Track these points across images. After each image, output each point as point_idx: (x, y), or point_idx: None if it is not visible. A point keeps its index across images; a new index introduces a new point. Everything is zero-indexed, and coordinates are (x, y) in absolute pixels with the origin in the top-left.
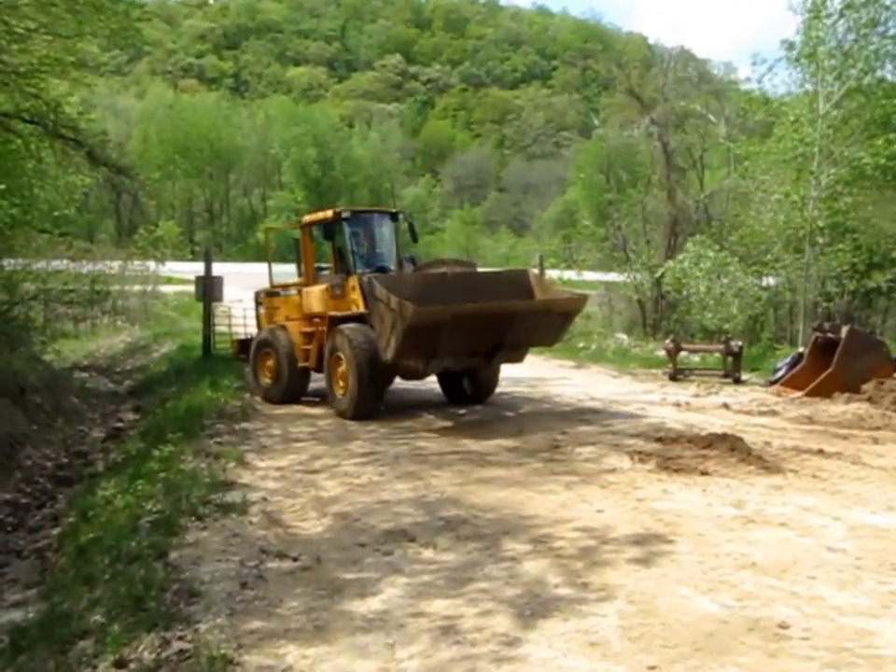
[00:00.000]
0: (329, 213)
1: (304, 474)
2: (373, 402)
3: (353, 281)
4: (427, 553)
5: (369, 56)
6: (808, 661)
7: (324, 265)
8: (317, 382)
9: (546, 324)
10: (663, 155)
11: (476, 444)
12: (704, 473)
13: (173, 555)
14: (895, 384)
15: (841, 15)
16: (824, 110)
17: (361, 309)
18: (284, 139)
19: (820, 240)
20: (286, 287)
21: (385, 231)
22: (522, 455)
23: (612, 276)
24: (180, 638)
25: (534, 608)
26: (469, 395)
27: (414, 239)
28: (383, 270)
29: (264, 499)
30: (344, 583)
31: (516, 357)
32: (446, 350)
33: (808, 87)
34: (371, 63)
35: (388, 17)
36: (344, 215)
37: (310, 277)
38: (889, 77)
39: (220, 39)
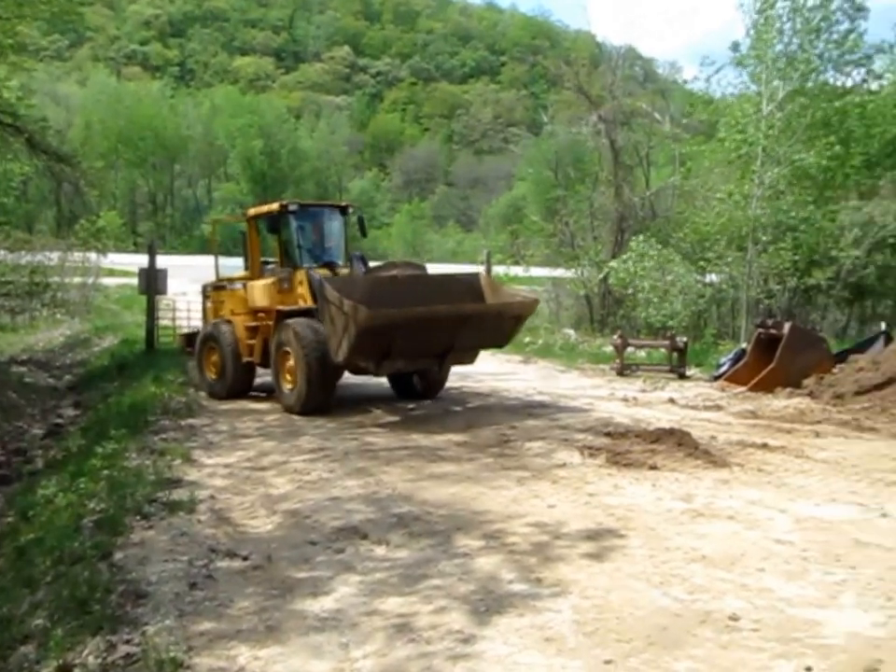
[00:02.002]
0: (276, 205)
1: (253, 471)
2: (323, 398)
3: (300, 275)
4: (380, 551)
5: (317, 47)
6: (759, 652)
7: (271, 259)
8: (263, 376)
9: (498, 327)
10: (610, 152)
11: (426, 439)
12: (653, 468)
13: (118, 556)
14: (835, 379)
15: (788, 19)
16: (768, 111)
17: (309, 304)
18: (230, 130)
19: (763, 238)
20: (231, 280)
21: (333, 225)
22: (472, 450)
23: (560, 272)
24: (127, 642)
25: (488, 604)
26: (419, 391)
27: (364, 234)
28: (331, 265)
29: (212, 497)
30: (296, 582)
31: (467, 358)
32: (398, 352)
33: (753, 88)
34: (320, 54)
35: (337, 8)
36: (291, 207)
37: (255, 271)
38: (830, 80)
39: (165, 27)
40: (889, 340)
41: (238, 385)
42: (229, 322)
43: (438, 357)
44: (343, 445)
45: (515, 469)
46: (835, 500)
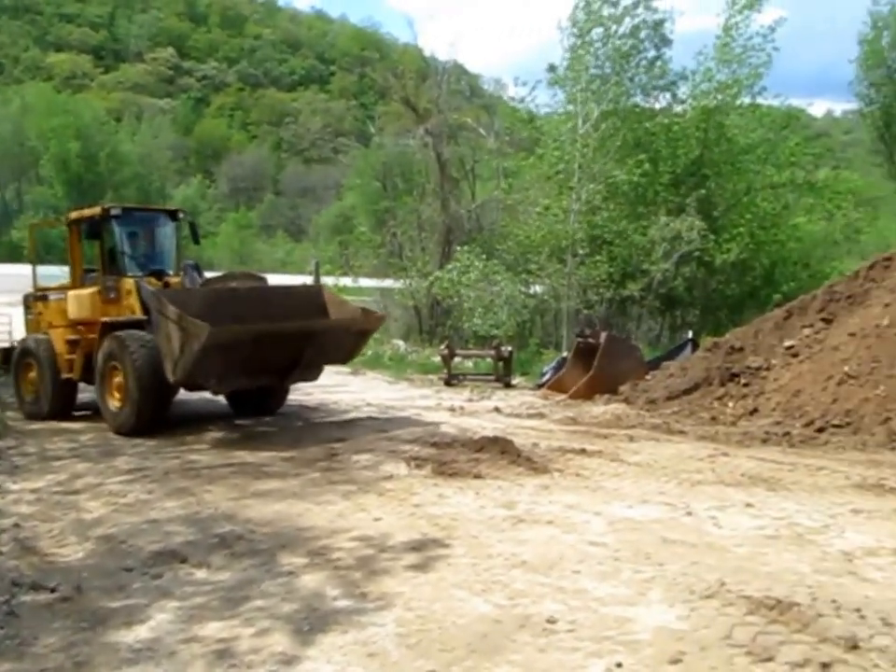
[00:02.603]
0: (98, 209)
1: (64, 495)
2: (158, 415)
3: (128, 284)
4: (200, 574)
5: (139, 47)
6: (574, 652)
7: (95, 267)
8: (87, 392)
9: (343, 343)
10: (437, 165)
11: (251, 456)
12: (477, 476)
13: None
14: (648, 385)
15: (601, 45)
16: (583, 130)
17: (138, 314)
18: (43, 130)
19: (581, 251)
20: (50, 290)
21: (162, 231)
22: (299, 465)
23: (388, 283)
24: None
25: (312, 622)
26: (258, 407)
27: (196, 241)
28: (159, 274)
29: (16, 526)
30: (109, 613)
31: (311, 375)
32: (240, 370)
33: (570, 108)
34: (142, 54)
35: (160, 8)
36: (114, 212)
37: (77, 279)
38: (640, 103)
39: None
40: (695, 347)
41: (58, 404)
42: (47, 335)
43: (281, 374)
44: (163, 464)
45: (342, 482)
46: (646, 501)
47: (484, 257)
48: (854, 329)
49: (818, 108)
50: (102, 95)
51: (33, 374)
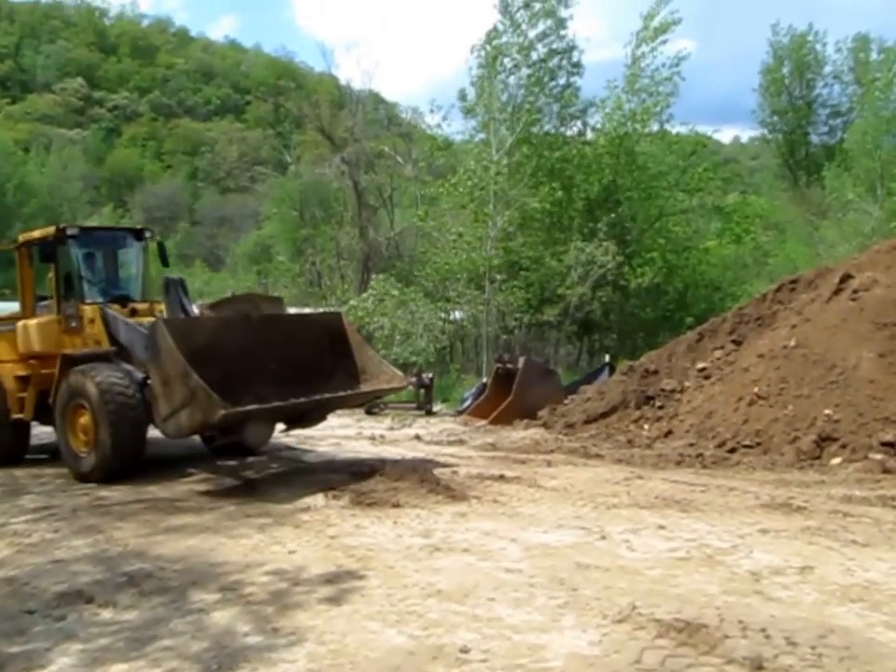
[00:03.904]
0: (52, 229)
1: None
2: (133, 457)
3: (91, 311)
4: (106, 614)
5: (47, 77)
6: None
7: (46, 294)
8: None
9: (360, 402)
10: (354, 193)
11: (164, 490)
12: (395, 505)
13: None
14: (566, 409)
15: (511, 73)
16: (497, 157)
17: (105, 346)
18: None
19: (498, 277)
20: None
21: (125, 252)
22: (214, 498)
23: (308, 311)
24: None
25: (221, 660)
26: (241, 447)
27: (164, 263)
28: (124, 300)
29: None
30: (8, 658)
31: (318, 422)
32: (248, 427)
33: (482, 136)
34: (50, 85)
35: (69, 38)
36: (70, 232)
37: (28, 308)
38: (552, 130)
39: None
40: (612, 370)
41: (7, 448)
42: None
43: (290, 425)
44: (71, 502)
45: (257, 515)
46: (562, 526)
47: (400, 285)
48: (763, 351)
49: (725, 135)
50: (9, 126)
51: None
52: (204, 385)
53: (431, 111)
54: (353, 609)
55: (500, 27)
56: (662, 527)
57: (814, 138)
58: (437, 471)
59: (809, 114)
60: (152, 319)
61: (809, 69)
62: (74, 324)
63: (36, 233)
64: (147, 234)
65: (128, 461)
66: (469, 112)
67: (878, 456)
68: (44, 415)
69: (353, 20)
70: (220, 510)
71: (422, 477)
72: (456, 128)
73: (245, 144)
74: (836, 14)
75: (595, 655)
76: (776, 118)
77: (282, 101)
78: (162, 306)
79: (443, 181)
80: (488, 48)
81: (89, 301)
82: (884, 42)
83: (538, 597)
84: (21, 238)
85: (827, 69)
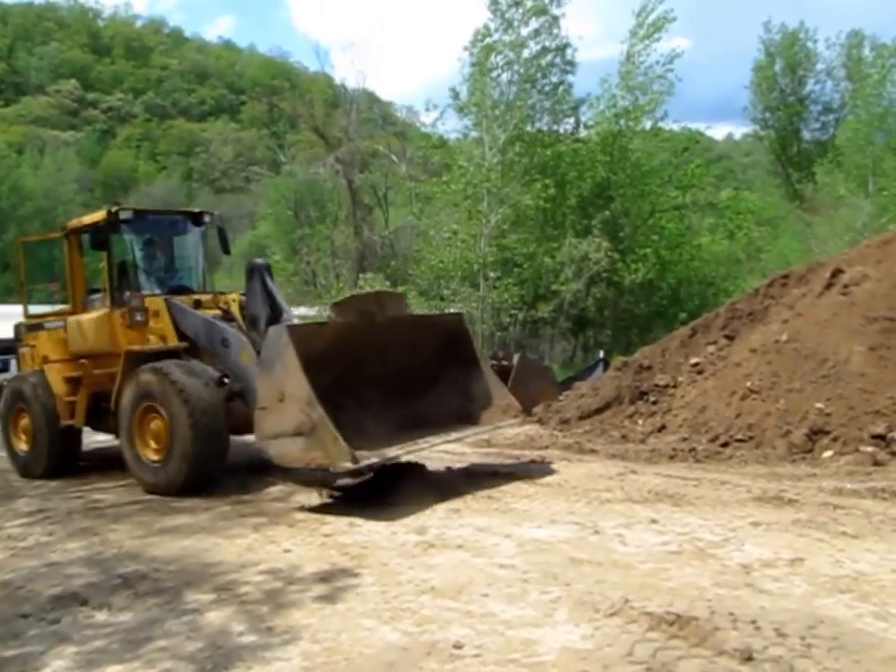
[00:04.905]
0: (103, 213)
1: None
2: (216, 467)
3: (157, 303)
4: (101, 616)
5: (41, 79)
6: None
7: (98, 287)
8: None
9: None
10: (348, 192)
11: None
12: (390, 503)
13: None
14: (561, 405)
15: (503, 70)
16: (490, 155)
17: (173, 342)
18: None
19: (492, 274)
20: (46, 317)
21: (184, 238)
22: (208, 499)
23: (303, 310)
24: None
25: (216, 660)
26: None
27: (226, 250)
28: (182, 290)
29: None
30: (2, 662)
31: None
32: None
33: (475, 134)
34: (44, 87)
35: (62, 40)
36: (123, 216)
37: (78, 302)
38: (545, 127)
39: None
40: (607, 366)
41: (57, 457)
42: (41, 373)
43: None
44: (65, 505)
45: (252, 515)
46: (555, 521)
47: (388, 283)
48: (755, 346)
49: (719, 132)
50: (2, 129)
51: (25, 421)
52: (332, 428)
53: (427, 110)
54: (347, 606)
55: (491, 25)
56: (654, 521)
57: (806, 134)
58: (431, 468)
59: (801, 110)
60: (217, 312)
61: (801, 66)
62: (139, 317)
63: (87, 219)
64: (207, 219)
65: (210, 471)
66: (461, 110)
67: (869, 449)
68: (97, 421)
69: (348, 20)
70: (215, 510)
71: (416, 474)
72: (451, 126)
73: (239, 144)
74: (828, 13)
75: (587, 649)
76: (768, 114)
77: (276, 101)
78: (229, 296)
79: (438, 179)
80: (479, 45)
81: (146, 292)
82: (877, 39)
83: (531, 593)
84: (71, 224)
85: (819, 66)
